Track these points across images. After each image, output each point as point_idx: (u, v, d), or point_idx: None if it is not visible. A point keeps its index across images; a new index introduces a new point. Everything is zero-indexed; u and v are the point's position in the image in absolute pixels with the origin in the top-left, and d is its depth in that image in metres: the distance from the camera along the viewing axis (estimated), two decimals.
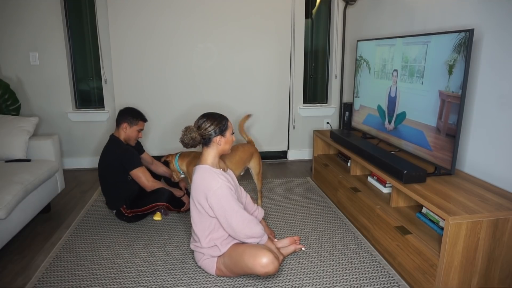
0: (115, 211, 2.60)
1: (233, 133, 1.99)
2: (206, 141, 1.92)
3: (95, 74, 3.85)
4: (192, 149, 2.54)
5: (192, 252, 2.23)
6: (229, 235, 1.93)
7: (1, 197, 2.06)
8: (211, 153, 1.94)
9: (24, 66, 3.59)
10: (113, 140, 2.58)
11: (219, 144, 1.92)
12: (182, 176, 2.62)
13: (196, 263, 2.11)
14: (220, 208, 1.84)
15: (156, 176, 2.82)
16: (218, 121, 1.91)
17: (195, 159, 2.55)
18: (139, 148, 2.78)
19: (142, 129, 2.62)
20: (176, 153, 2.59)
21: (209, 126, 1.89)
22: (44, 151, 2.75)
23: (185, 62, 3.69)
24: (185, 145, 1.91)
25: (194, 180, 1.92)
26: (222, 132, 1.91)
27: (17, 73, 3.60)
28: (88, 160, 3.88)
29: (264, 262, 1.79)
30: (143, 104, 3.70)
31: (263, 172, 3.76)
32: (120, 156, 2.50)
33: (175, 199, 2.61)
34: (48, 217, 2.75)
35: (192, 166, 2.55)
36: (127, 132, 2.57)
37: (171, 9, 3.56)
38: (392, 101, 2.59)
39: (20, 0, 3.44)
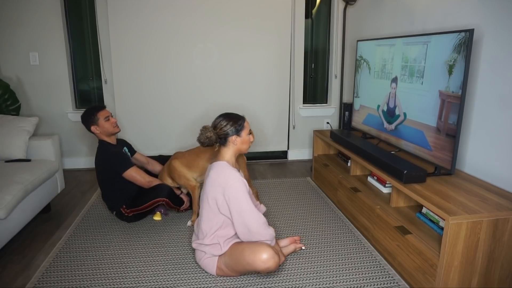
0: (115, 212, 2.60)
1: (250, 133, 2.01)
2: (222, 141, 1.95)
3: (95, 74, 3.85)
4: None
5: (192, 251, 2.23)
6: (238, 235, 1.91)
7: (1, 197, 2.06)
8: (228, 152, 1.97)
9: (24, 66, 3.59)
10: (101, 145, 2.55)
11: (235, 143, 1.95)
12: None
13: (196, 262, 2.11)
14: (237, 202, 1.84)
15: (153, 175, 2.82)
16: (234, 121, 1.94)
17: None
18: (130, 149, 2.78)
19: (108, 116, 2.53)
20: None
21: (225, 126, 1.92)
22: (44, 151, 2.75)
23: (185, 62, 3.69)
24: (202, 144, 1.95)
25: (210, 175, 1.92)
26: (238, 132, 1.94)
27: (17, 73, 3.60)
28: (88, 160, 3.88)
29: (264, 257, 1.80)
30: (142, 104, 3.70)
31: (263, 172, 3.76)
32: (109, 160, 2.49)
33: (175, 196, 2.60)
34: (48, 217, 2.75)
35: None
36: (100, 130, 2.52)
37: (171, 9, 3.56)
38: (391, 110, 2.59)
39: (20, 0, 3.44)
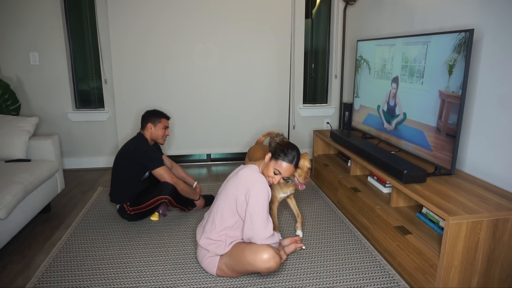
0: (118, 206, 2.60)
1: (277, 175, 1.99)
2: (276, 156, 1.94)
3: (95, 74, 3.85)
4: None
5: (192, 252, 2.23)
6: (243, 236, 1.91)
7: (1, 197, 2.06)
8: (265, 165, 1.98)
9: (24, 66, 3.59)
10: (140, 137, 2.63)
11: (266, 159, 1.97)
12: (289, 181, 2.35)
13: (197, 259, 2.12)
14: (254, 205, 1.83)
15: None
16: (282, 148, 1.93)
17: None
18: (159, 150, 2.83)
19: (167, 126, 2.69)
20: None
21: (277, 143, 2.02)
22: (44, 151, 2.75)
23: (185, 62, 3.69)
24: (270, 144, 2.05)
25: (240, 174, 1.93)
26: (274, 156, 1.93)
27: (17, 73, 3.60)
28: (88, 160, 3.88)
29: (265, 257, 1.80)
30: (142, 104, 3.70)
31: None
32: (143, 154, 2.55)
33: (178, 194, 2.61)
34: (48, 217, 2.75)
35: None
36: (152, 131, 2.64)
37: (171, 9, 3.56)
38: (391, 110, 2.59)
39: (20, 0, 3.44)
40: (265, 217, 1.86)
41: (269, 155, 1.96)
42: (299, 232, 2.41)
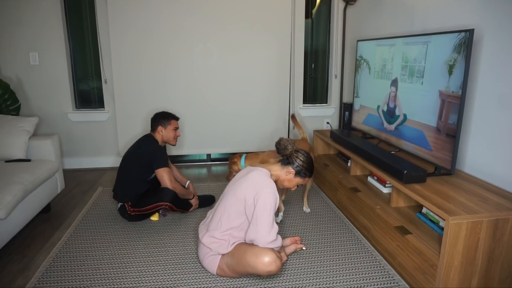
0: (120, 204, 2.60)
1: (296, 187, 2.06)
2: (285, 161, 2.01)
3: (95, 74, 3.85)
4: (259, 152, 2.61)
5: (192, 252, 2.23)
6: (246, 237, 1.92)
7: (1, 197, 2.06)
8: (277, 172, 2.01)
9: (24, 66, 3.59)
10: (150, 138, 2.65)
11: (287, 174, 1.99)
12: None
13: (197, 258, 2.11)
14: (261, 210, 1.84)
15: None
16: (308, 167, 2.00)
17: (262, 163, 2.56)
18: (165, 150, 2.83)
19: (177, 127, 2.71)
20: (242, 155, 2.68)
21: (300, 161, 1.98)
22: (44, 151, 2.75)
23: (185, 62, 3.69)
24: (277, 146, 2.03)
25: (251, 176, 1.93)
26: (299, 174, 2.00)
27: (17, 73, 3.60)
28: (88, 160, 3.88)
29: (266, 261, 1.80)
30: (142, 104, 3.70)
31: None
32: (151, 152, 2.56)
33: (178, 199, 2.62)
34: (48, 217, 2.75)
35: None
36: (163, 133, 2.66)
37: (171, 9, 3.56)
38: (391, 111, 2.59)
39: (20, 0, 3.44)
40: (270, 222, 1.86)
41: (293, 172, 1.99)
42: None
